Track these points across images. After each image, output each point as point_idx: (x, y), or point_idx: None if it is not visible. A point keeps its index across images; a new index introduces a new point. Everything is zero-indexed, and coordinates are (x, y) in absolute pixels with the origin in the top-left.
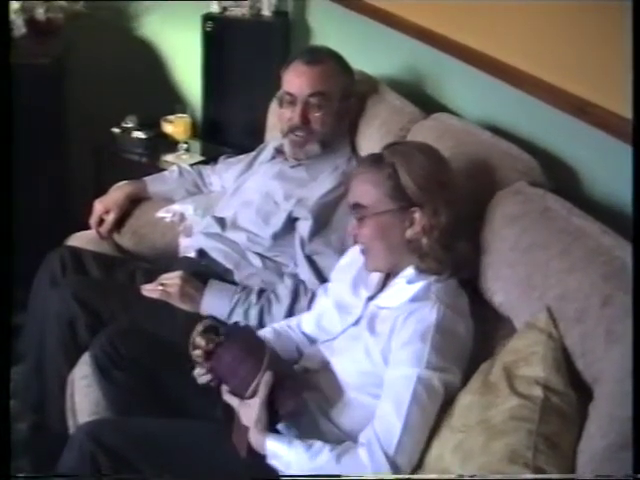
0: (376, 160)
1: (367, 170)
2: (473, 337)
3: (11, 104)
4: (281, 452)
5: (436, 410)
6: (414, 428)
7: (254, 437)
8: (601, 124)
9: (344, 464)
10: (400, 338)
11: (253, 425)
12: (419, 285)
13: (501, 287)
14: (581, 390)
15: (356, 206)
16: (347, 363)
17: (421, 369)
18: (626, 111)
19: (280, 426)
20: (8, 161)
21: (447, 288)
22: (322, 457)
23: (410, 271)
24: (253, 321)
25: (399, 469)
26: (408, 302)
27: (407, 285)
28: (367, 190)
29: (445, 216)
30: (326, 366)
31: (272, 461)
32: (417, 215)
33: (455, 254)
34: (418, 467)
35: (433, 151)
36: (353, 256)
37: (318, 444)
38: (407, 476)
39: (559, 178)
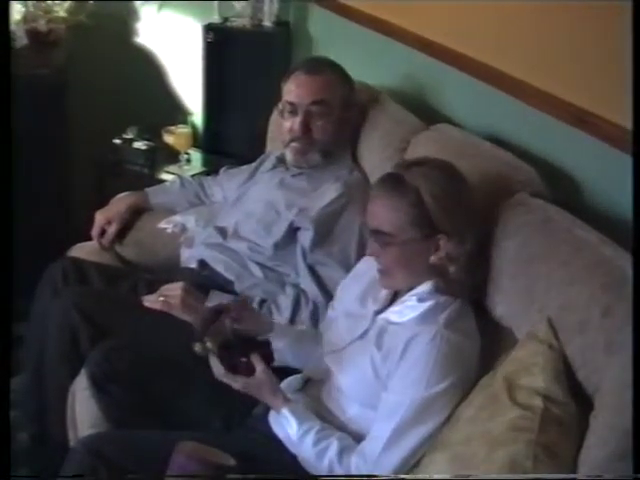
0: (397, 184)
1: (388, 195)
2: (479, 352)
3: (12, 115)
4: (291, 426)
5: (433, 430)
6: (402, 451)
7: (274, 399)
8: (601, 134)
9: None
10: (402, 362)
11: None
12: (428, 304)
13: (502, 299)
14: (581, 400)
15: (377, 232)
16: (352, 376)
17: (419, 394)
18: (626, 121)
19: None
20: (9, 171)
21: (455, 308)
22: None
23: (424, 288)
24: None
25: None
26: (414, 322)
27: (417, 303)
28: (389, 217)
29: (470, 242)
30: (329, 378)
31: (275, 425)
32: (442, 242)
33: (475, 277)
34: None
35: (454, 170)
36: (365, 267)
37: (324, 444)
38: (407, 476)
39: (559, 188)
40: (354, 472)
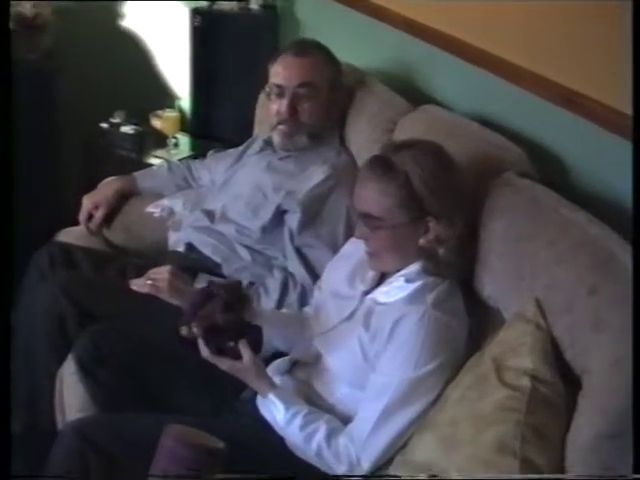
0: (385, 167)
1: (376, 178)
2: (467, 333)
3: (10, 102)
4: (278, 410)
5: (421, 411)
6: (390, 432)
7: (260, 385)
8: (589, 115)
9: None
10: (390, 342)
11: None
12: (416, 284)
13: (490, 279)
14: (570, 380)
15: (366, 215)
16: (340, 357)
17: (407, 374)
18: (614, 101)
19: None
20: (8, 160)
21: (443, 289)
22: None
23: (413, 269)
24: None
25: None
26: (402, 302)
27: (405, 283)
28: (378, 200)
29: (459, 224)
30: (318, 360)
31: (263, 408)
32: (432, 224)
33: (464, 258)
34: (402, 460)
35: (442, 153)
36: (353, 248)
37: (311, 427)
38: (408, 476)
39: (547, 169)
40: (342, 454)
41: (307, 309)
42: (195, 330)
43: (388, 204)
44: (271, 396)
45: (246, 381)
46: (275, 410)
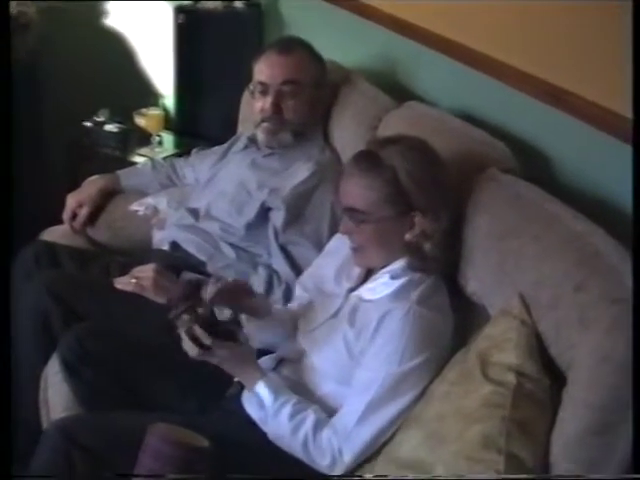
0: (372, 162)
1: (362, 173)
2: (452, 329)
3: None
4: (266, 401)
5: (406, 406)
6: (374, 426)
7: (249, 374)
8: (573, 111)
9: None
10: (376, 339)
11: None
12: (401, 281)
13: (475, 275)
14: (555, 376)
15: (351, 210)
16: (326, 355)
17: (392, 370)
18: (599, 98)
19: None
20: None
21: (427, 285)
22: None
23: (398, 266)
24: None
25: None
26: (387, 299)
27: (390, 280)
28: (364, 195)
29: (445, 219)
30: (303, 357)
31: (247, 405)
32: (417, 219)
33: (449, 254)
34: (388, 456)
35: (428, 148)
36: (337, 244)
37: (300, 416)
38: (408, 476)
39: (531, 165)
40: (326, 447)
41: (290, 305)
42: (186, 319)
43: (374, 198)
44: (261, 384)
45: (237, 370)
46: (264, 399)
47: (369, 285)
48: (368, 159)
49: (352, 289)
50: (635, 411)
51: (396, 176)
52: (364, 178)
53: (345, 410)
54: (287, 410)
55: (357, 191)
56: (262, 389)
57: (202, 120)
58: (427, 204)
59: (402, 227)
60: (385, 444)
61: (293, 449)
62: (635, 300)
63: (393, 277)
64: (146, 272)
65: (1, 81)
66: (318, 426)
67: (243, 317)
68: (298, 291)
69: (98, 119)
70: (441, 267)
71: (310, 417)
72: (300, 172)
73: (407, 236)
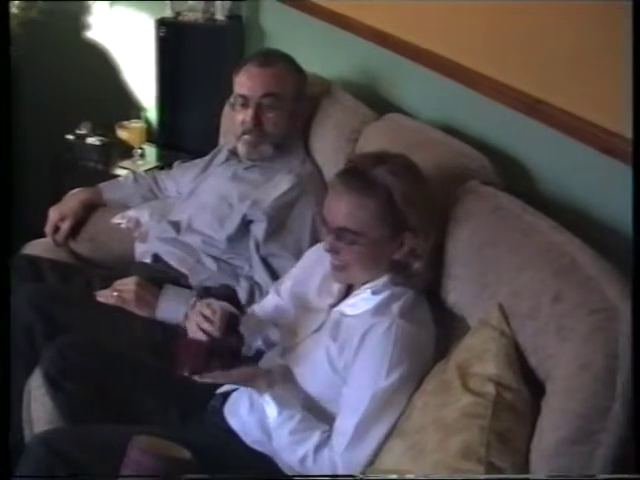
0: (363, 182)
1: (354, 193)
2: (434, 343)
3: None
4: (270, 413)
5: (394, 422)
6: (369, 444)
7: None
8: (551, 122)
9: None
10: (359, 355)
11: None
12: (382, 296)
13: (454, 286)
14: (534, 386)
15: (342, 230)
16: (308, 370)
17: (379, 385)
18: (576, 108)
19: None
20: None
21: (408, 298)
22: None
23: (380, 282)
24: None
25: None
26: (369, 314)
27: (372, 295)
28: (357, 215)
29: (433, 237)
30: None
31: (230, 417)
32: (407, 239)
33: (432, 268)
34: (370, 468)
35: (415, 166)
36: (314, 256)
37: (302, 435)
38: (410, 476)
39: (511, 176)
40: (327, 466)
41: (256, 307)
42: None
43: (367, 218)
44: (267, 396)
45: (252, 384)
46: (269, 410)
47: (350, 301)
48: (357, 178)
49: (333, 305)
50: (635, 411)
51: (391, 196)
52: (357, 198)
53: (337, 431)
54: (291, 426)
55: (349, 211)
56: (268, 400)
57: (184, 133)
58: (419, 224)
59: (391, 246)
60: None
61: (289, 461)
62: (634, 301)
63: (374, 292)
64: (128, 285)
65: (1, 81)
66: (320, 446)
67: None
68: (271, 295)
69: (80, 132)
70: (424, 283)
71: (312, 439)
72: (281, 184)
73: (396, 255)
